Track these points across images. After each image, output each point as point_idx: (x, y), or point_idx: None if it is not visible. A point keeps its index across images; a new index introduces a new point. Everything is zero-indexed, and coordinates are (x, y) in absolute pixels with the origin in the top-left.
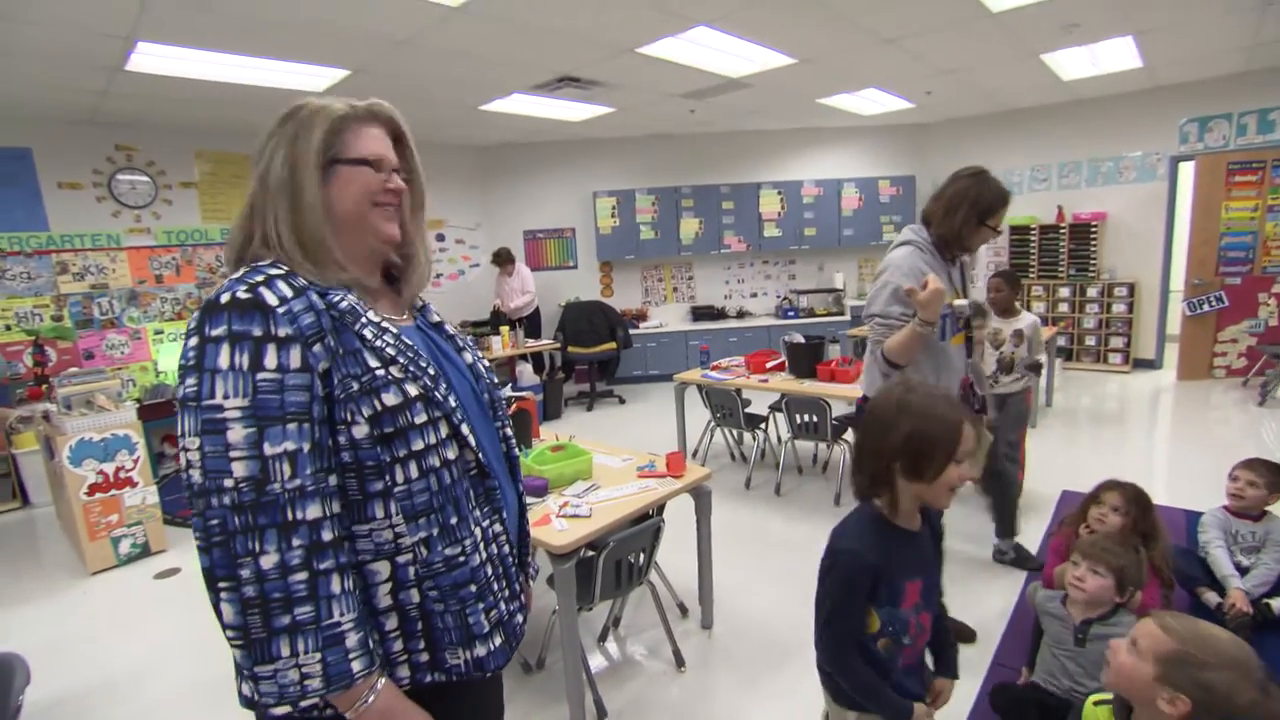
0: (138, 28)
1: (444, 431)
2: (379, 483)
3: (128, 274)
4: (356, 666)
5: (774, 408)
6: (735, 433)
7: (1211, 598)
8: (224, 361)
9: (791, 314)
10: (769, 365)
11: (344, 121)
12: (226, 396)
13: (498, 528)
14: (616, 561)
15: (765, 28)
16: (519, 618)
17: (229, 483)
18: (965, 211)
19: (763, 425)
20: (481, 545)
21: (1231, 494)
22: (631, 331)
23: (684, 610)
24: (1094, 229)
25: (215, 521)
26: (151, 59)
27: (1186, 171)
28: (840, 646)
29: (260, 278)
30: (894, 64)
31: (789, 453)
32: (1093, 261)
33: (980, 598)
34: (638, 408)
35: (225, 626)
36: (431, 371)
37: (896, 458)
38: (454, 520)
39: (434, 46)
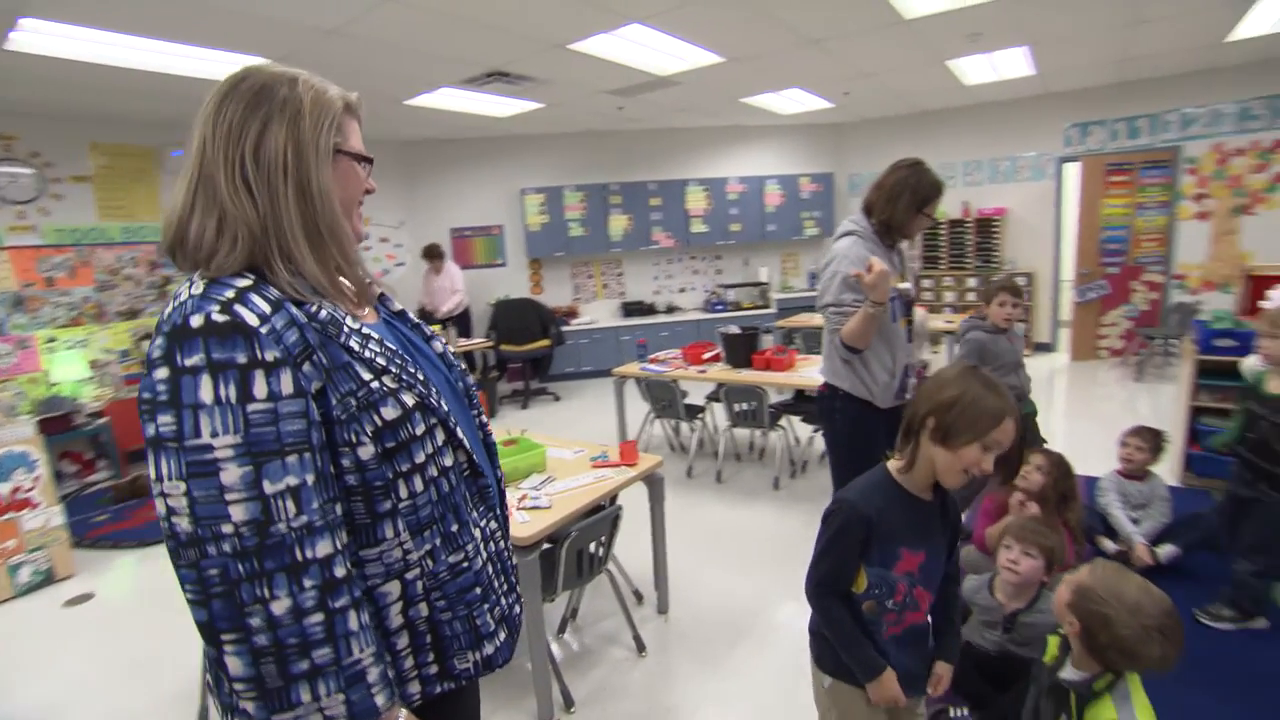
0: (21, 1)
1: (440, 439)
2: (387, 502)
3: (11, 276)
4: (380, 701)
5: (710, 398)
6: (673, 423)
7: (1108, 545)
8: (207, 395)
9: (719, 308)
10: (705, 356)
11: (347, 111)
12: (215, 434)
13: (493, 525)
14: (578, 551)
15: (697, 26)
16: (516, 609)
17: (228, 528)
18: (906, 199)
19: (701, 415)
20: (482, 546)
21: (1123, 459)
22: (563, 329)
23: (639, 597)
24: (996, 224)
25: (214, 571)
26: (37, 37)
27: (1072, 171)
28: (823, 587)
29: (231, 293)
30: (816, 65)
31: (728, 441)
32: (995, 254)
33: None
34: (573, 404)
35: (233, 680)
36: (421, 376)
37: (933, 414)
38: (455, 528)
39: (364, 36)
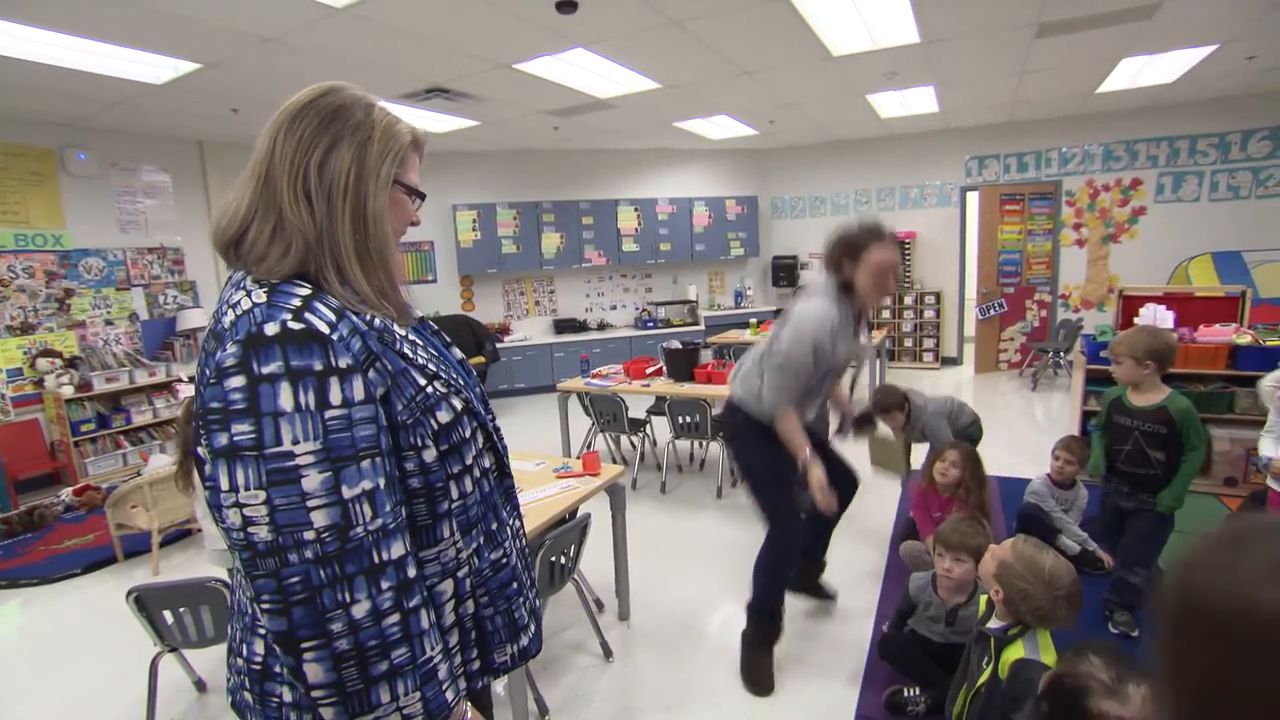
0: None
1: (481, 441)
2: (445, 503)
3: None
4: (450, 695)
5: (651, 411)
6: (615, 437)
7: (1070, 546)
8: (287, 402)
9: (650, 325)
10: (649, 371)
11: (413, 146)
12: (296, 441)
13: (518, 523)
14: (550, 560)
15: (639, 54)
16: (538, 602)
17: (310, 535)
18: (838, 253)
19: (643, 428)
20: (513, 543)
21: (1055, 470)
22: (497, 345)
23: (600, 605)
24: (907, 246)
25: (296, 579)
26: None
27: (973, 199)
28: None
29: (297, 301)
30: (747, 94)
31: (670, 453)
32: (907, 274)
33: (856, 556)
34: (508, 421)
35: (311, 687)
36: (463, 381)
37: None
38: (494, 526)
39: (303, 47)
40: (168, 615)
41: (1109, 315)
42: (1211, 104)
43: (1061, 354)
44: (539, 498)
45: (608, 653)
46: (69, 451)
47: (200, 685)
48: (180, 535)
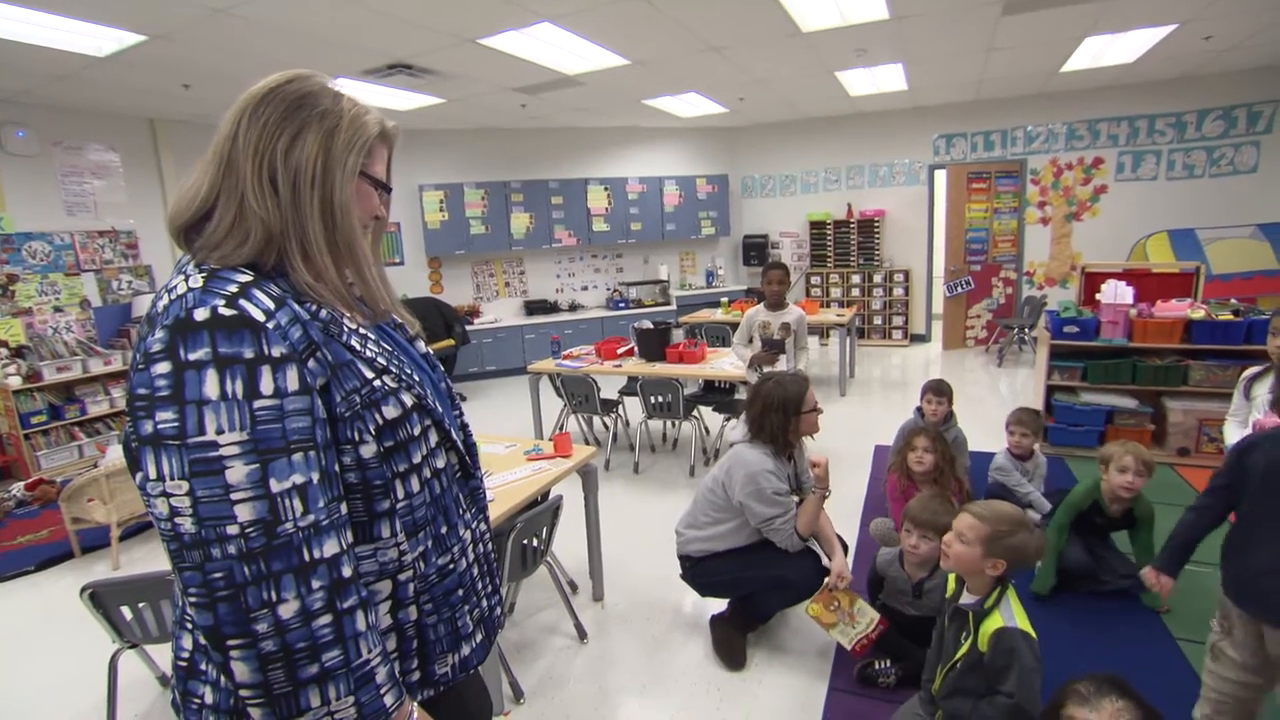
0: None
1: (434, 440)
2: (385, 502)
3: None
4: (389, 700)
5: (623, 392)
6: (587, 418)
7: (1035, 517)
8: (212, 390)
9: (621, 305)
10: (620, 351)
11: (381, 137)
12: (220, 431)
13: (482, 526)
14: (522, 543)
15: (606, 28)
16: (497, 611)
17: (233, 529)
18: (777, 415)
19: (616, 409)
20: (470, 548)
21: (1013, 445)
22: (466, 328)
23: (574, 587)
24: (877, 224)
25: (219, 574)
26: None
27: (941, 178)
28: None
29: (234, 287)
30: (716, 70)
31: (643, 433)
32: (877, 252)
33: None
34: (480, 404)
35: (239, 685)
36: (417, 378)
37: None
38: (444, 529)
39: (257, 19)
40: (126, 611)
41: (1072, 292)
42: (1170, 84)
43: (1026, 330)
44: (510, 480)
45: (582, 634)
46: (19, 444)
47: (164, 681)
48: (142, 528)
